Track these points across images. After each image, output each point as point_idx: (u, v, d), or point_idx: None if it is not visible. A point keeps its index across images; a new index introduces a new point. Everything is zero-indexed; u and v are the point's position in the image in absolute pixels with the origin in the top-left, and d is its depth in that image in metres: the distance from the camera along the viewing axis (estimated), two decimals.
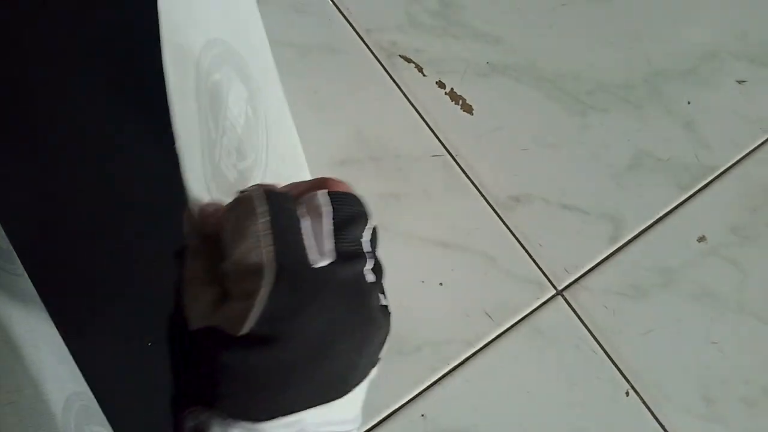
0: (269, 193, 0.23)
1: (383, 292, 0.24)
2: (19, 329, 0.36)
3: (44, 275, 0.41)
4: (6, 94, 0.43)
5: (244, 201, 0.23)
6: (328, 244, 0.22)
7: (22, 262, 0.41)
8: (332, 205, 0.23)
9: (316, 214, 0.23)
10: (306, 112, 0.49)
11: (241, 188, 0.25)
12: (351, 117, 0.49)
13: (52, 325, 0.39)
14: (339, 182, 0.24)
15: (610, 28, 0.53)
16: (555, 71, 0.51)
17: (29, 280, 0.41)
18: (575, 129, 0.50)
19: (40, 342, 0.37)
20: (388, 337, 0.25)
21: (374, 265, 0.24)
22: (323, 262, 0.22)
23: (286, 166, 0.39)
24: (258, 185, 0.24)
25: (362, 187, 0.48)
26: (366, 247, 0.23)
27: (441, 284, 0.46)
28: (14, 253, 0.40)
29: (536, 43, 0.52)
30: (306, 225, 0.23)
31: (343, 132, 0.48)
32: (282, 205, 0.23)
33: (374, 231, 0.25)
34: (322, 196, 0.23)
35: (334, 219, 0.23)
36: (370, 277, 0.23)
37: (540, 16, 0.53)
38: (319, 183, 0.24)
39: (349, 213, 0.23)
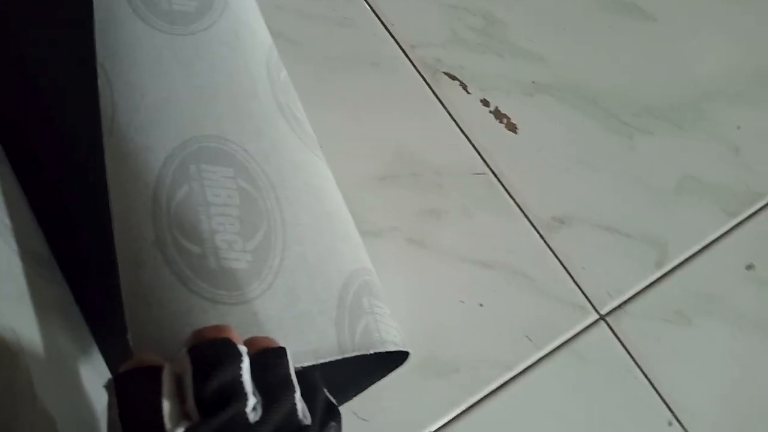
0: (117, 380, 0.24)
1: (290, 414, 0.24)
2: (55, 340, 0.36)
3: (83, 284, 0.40)
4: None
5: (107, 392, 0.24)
6: (190, 403, 0.23)
7: (61, 269, 0.40)
8: (191, 359, 0.24)
9: (180, 373, 0.24)
10: (347, 127, 0.48)
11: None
12: (393, 133, 0.48)
13: (90, 337, 0.38)
14: (209, 329, 0.25)
15: (656, 49, 0.52)
16: (600, 92, 0.51)
17: (67, 288, 0.40)
18: (620, 151, 0.50)
19: (77, 354, 0.36)
20: None
21: (266, 396, 0.24)
22: (180, 429, 0.22)
23: (310, 209, 0.37)
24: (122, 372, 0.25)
25: (402, 203, 0.47)
26: (247, 386, 0.24)
27: (481, 305, 0.45)
28: (53, 259, 0.40)
29: (581, 62, 0.51)
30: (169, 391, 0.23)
31: (384, 147, 0.48)
32: (132, 388, 0.24)
33: (262, 362, 0.25)
34: (182, 355, 0.24)
35: (195, 373, 0.23)
36: (253, 416, 0.23)
37: (585, 35, 0.52)
38: (190, 337, 0.25)
39: (212, 360, 0.24)
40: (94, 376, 0.37)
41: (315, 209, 0.37)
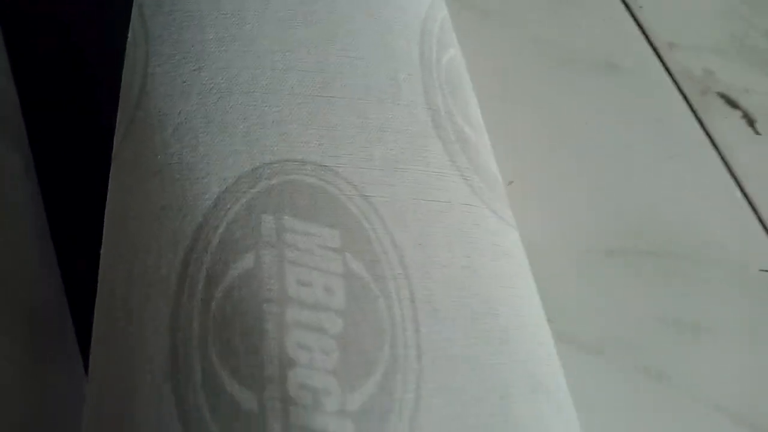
0: None
1: None
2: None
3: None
4: None
5: None
6: None
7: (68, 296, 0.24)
8: None
9: None
10: (551, 162, 0.30)
11: None
12: (628, 179, 0.30)
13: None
14: None
15: None
16: None
17: (75, 340, 0.24)
18: None
19: None
20: None
21: None
22: None
23: (475, 326, 0.19)
24: None
25: (638, 299, 0.28)
26: None
27: None
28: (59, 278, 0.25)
29: None
30: None
31: (611, 202, 0.30)
32: None
33: None
34: None
35: None
36: None
37: None
38: None
39: None
40: None
41: (484, 325, 0.19)
